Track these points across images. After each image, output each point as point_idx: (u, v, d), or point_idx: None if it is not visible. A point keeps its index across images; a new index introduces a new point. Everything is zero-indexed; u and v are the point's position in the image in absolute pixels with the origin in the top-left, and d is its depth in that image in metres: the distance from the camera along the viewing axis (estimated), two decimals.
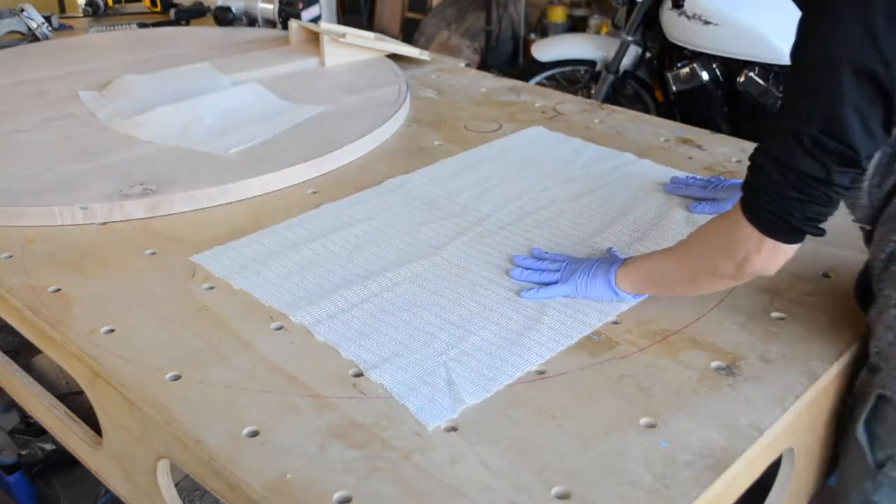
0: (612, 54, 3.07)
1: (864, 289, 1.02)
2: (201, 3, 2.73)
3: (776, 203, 0.90)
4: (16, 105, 1.82)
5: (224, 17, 2.49)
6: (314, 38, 2.16)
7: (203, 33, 2.43)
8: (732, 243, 0.95)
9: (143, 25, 2.65)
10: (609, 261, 1.13)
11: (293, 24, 2.23)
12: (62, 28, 2.61)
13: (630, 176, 1.47)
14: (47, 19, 2.51)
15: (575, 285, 1.11)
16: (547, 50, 3.25)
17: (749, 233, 0.93)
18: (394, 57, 2.13)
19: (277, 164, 1.48)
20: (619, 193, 1.40)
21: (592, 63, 3.21)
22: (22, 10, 2.43)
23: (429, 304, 1.10)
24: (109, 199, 1.37)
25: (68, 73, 2.03)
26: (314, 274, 1.18)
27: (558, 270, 1.14)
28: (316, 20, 2.62)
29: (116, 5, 2.90)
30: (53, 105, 1.82)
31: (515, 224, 1.31)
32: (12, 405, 1.75)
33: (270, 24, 2.55)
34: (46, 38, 2.46)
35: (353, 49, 2.10)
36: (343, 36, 2.08)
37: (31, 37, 2.45)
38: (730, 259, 0.96)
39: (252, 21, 2.56)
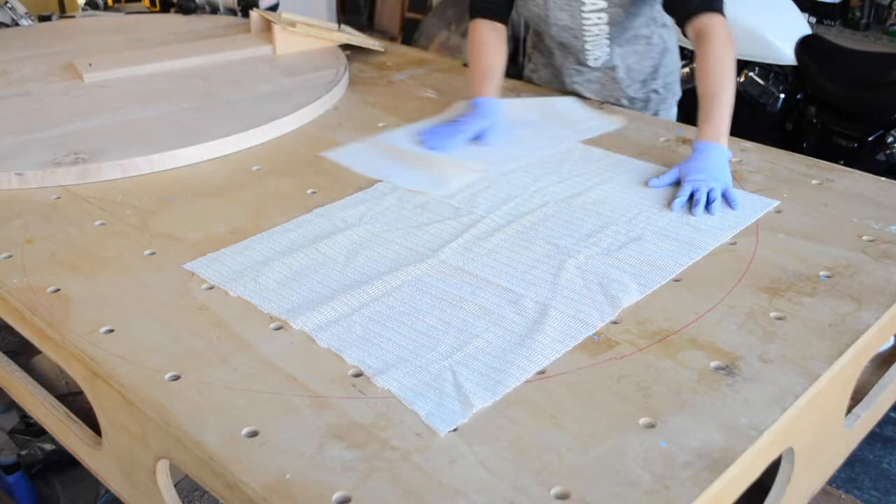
0: None
1: None
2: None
3: None
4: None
5: (187, 6, 2.58)
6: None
7: (170, 20, 2.51)
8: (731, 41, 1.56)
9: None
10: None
11: (253, 13, 2.30)
12: None
13: (622, 175, 1.47)
14: (47, 19, 2.52)
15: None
16: None
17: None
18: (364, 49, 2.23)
19: (205, 137, 1.59)
20: (612, 193, 1.40)
21: None
22: (6, 3, 2.45)
23: (430, 307, 1.10)
24: (43, 166, 1.48)
25: (35, 55, 2.13)
26: (311, 280, 1.17)
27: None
28: (274, 8, 2.68)
29: (116, 4, 2.90)
30: (12, 84, 1.93)
31: (510, 226, 1.30)
32: (12, 405, 1.75)
33: (232, 12, 2.60)
34: None
35: (306, 39, 2.17)
36: (294, 25, 2.14)
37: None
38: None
39: (214, 9, 2.63)
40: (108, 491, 1.49)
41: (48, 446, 1.69)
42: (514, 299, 1.11)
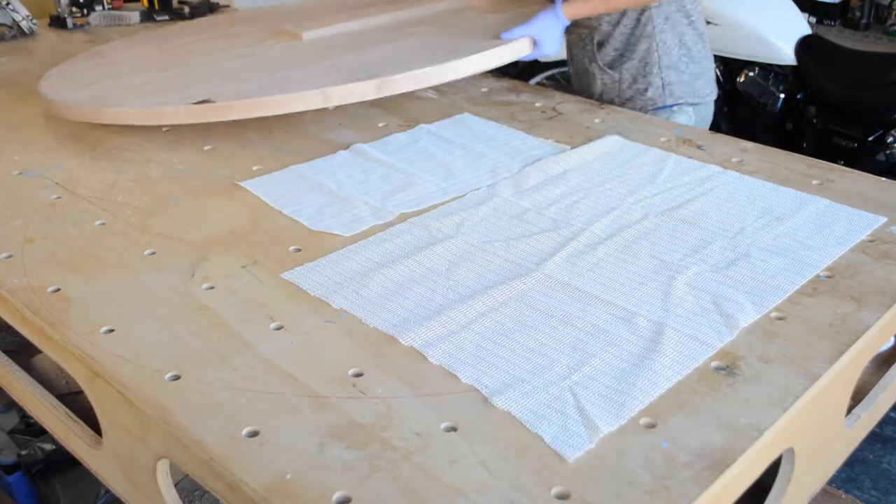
0: None
1: None
2: (208, 0, 2.74)
3: None
4: (211, 49, 1.93)
5: None
6: None
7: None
8: None
9: (144, 16, 2.66)
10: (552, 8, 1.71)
11: None
12: (76, 28, 2.60)
13: (718, 188, 1.43)
14: (59, 20, 2.53)
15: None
16: None
17: None
18: None
19: (479, 49, 1.64)
20: (711, 207, 1.36)
21: None
22: (7, 3, 2.43)
23: (540, 324, 1.07)
24: (342, 82, 1.52)
25: (230, 34, 2.09)
26: (414, 293, 1.15)
27: None
28: None
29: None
30: (231, 51, 1.90)
31: (612, 239, 1.27)
32: (12, 405, 1.75)
33: None
34: (32, 31, 2.48)
35: None
36: None
37: (17, 29, 2.46)
38: None
39: None
40: (108, 491, 1.50)
41: (48, 446, 1.69)
42: (627, 317, 1.08)
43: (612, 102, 1.86)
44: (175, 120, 1.59)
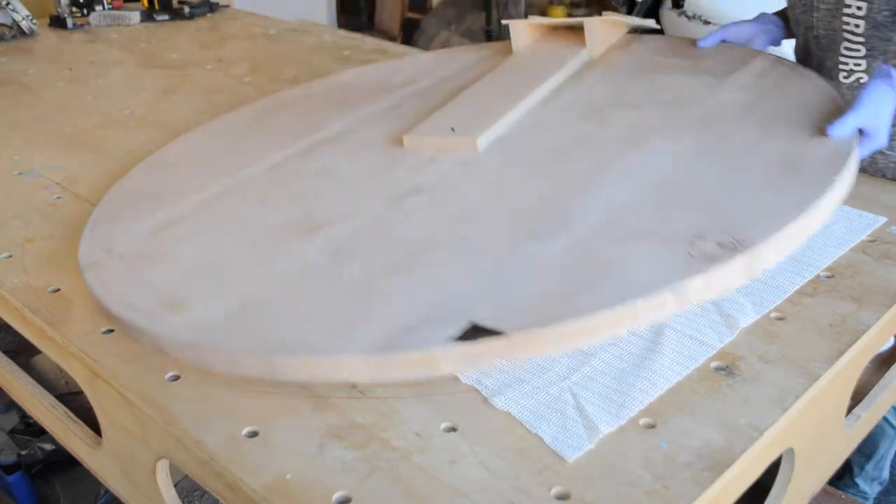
0: None
1: None
2: (209, 0, 2.74)
3: None
4: (338, 178, 1.31)
5: None
6: (541, 32, 1.70)
7: (424, 59, 1.90)
8: None
9: (144, 16, 2.67)
10: (883, 74, 1.22)
11: (515, 24, 1.68)
12: (76, 27, 2.60)
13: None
14: (59, 20, 2.53)
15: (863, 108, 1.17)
16: None
17: None
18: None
19: (805, 176, 1.09)
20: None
21: None
22: (7, 3, 2.43)
23: None
24: (693, 271, 0.91)
25: (324, 140, 1.44)
26: None
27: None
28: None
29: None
30: (397, 173, 1.28)
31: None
32: (12, 405, 1.75)
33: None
34: (32, 31, 2.48)
35: (614, 29, 1.64)
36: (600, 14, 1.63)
37: (17, 29, 2.45)
38: None
39: None
40: (108, 491, 1.49)
41: (48, 446, 1.69)
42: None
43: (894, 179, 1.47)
44: (437, 370, 0.90)
